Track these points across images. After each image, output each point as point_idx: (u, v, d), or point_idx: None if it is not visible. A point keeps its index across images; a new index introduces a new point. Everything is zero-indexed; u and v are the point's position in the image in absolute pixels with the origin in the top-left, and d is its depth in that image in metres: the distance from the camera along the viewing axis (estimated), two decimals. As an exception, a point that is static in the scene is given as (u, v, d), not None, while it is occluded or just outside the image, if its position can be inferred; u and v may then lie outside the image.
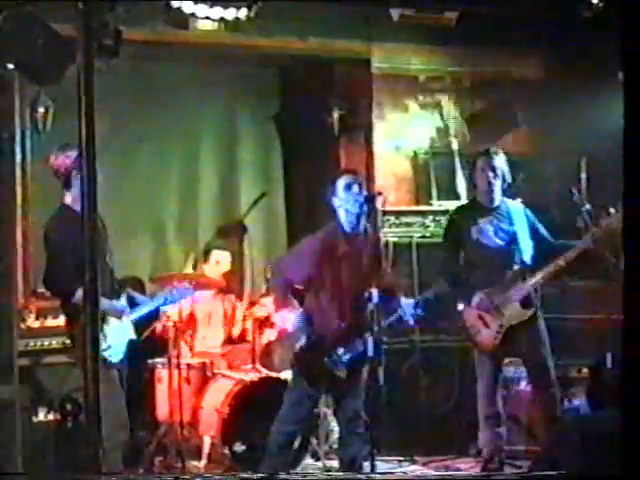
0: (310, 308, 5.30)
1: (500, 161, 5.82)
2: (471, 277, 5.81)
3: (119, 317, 5.15)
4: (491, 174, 5.78)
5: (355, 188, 5.26)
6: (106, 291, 4.97)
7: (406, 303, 5.29)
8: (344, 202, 5.27)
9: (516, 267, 5.75)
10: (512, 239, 5.79)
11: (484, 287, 5.72)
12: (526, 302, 5.71)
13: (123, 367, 5.22)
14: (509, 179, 5.85)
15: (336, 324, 5.23)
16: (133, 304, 5.43)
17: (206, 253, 7.31)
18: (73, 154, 4.85)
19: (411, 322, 5.37)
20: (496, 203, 5.86)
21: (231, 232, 7.40)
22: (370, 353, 5.01)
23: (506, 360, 6.72)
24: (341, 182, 5.31)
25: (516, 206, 5.91)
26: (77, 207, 4.66)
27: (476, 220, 5.83)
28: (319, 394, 5.48)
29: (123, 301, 5.26)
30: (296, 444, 5.63)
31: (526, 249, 5.77)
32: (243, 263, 7.28)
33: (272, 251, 8.01)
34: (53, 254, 5.00)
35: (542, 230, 5.87)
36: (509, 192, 5.94)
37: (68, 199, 5.06)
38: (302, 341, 5.26)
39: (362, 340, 5.09)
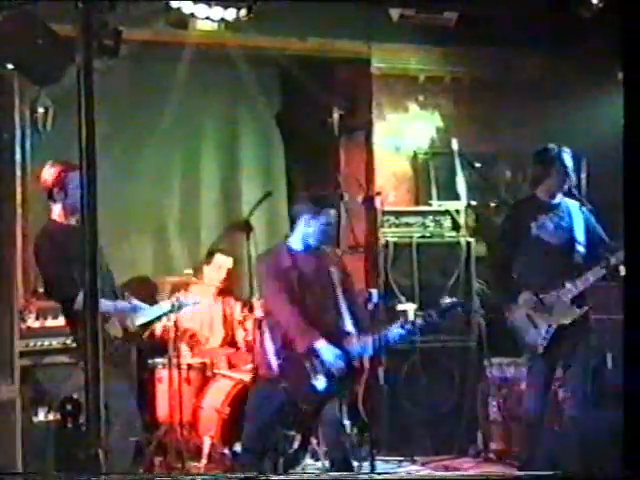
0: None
1: (568, 158, 5.64)
2: (522, 275, 5.60)
3: (124, 320, 5.17)
4: (562, 170, 5.61)
5: (323, 219, 5.24)
6: (107, 298, 4.99)
7: (416, 318, 5.20)
8: (309, 224, 5.27)
9: (572, 265, 5.55)
10: (571, 236, 5.60)
11: (534, 285, 5.51)
12: (578, 301, 5.48)
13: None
14: (574, 177, 5.69)
15: (310, 334, 5.13)
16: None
17: (210, 255, 7.32)
18: (55, 170, 4.98)
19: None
20: (557, 200, 5.69)
21: (238, 231, 7.38)
22: (368, 353, 5.00)
23: (506, 360, 6.75)
24: (319, 211, 5.26)
25: (574, 204, 5.72)
26: (62, 220, 5.00)
27: (536, 216, 5.63)
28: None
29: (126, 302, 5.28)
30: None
31: (581, 247, 5.59)
32: (249, 263, 7.26)
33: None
34: (47, 268, 5.07)
35: (599, 229, 5.69)
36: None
37: (54, 214, 5.11)
38: (283, 353, 5.17)
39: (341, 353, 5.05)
